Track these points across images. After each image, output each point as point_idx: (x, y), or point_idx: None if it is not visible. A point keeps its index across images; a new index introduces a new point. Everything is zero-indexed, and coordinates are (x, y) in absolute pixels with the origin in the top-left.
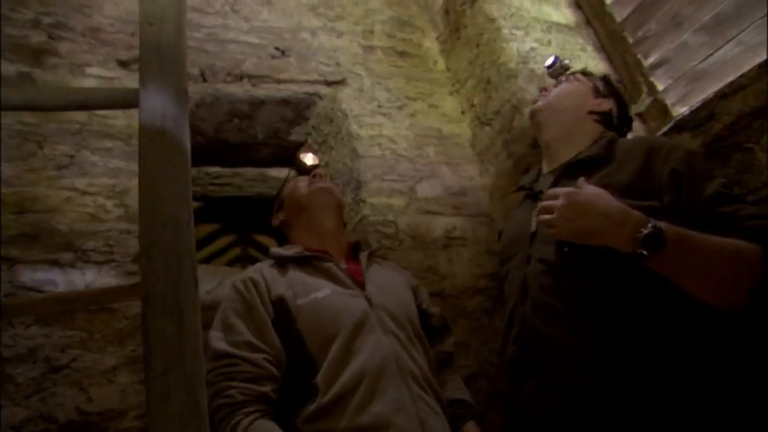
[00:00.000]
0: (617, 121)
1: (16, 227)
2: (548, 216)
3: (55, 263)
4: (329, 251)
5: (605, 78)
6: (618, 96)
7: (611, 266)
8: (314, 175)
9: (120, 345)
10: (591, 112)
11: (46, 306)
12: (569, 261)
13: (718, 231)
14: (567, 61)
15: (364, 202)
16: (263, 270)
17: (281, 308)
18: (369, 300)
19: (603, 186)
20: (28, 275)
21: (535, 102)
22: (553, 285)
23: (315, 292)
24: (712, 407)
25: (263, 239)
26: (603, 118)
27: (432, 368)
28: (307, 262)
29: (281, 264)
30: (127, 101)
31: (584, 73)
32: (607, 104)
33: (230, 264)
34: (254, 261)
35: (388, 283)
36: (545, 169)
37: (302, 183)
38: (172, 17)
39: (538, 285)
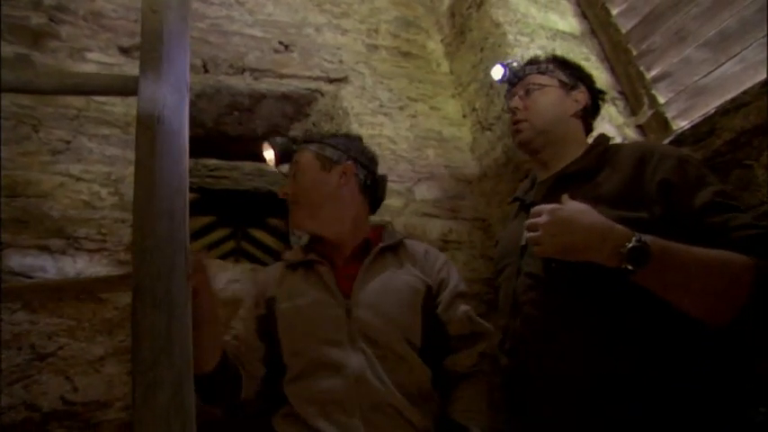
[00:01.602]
0: (590, 102)
1: (7, 211)
2: (534, 233)
3: (45, 249)
4: (330, 253)
5: (559, 61)
6: (584, 78)
7: (598, 281)
8: (285, 194)
9: (109, 334)
10: (573, 115)
11: (36, 292)
12: (556, 276)
13: (708, 243)
14: (514, 63)
15: None
16: (272, 269)
17: (270, 308)
18: (348, 311)
19: (592, 198)
20: (17, 260)
21: (515, 130)
22: (541, 300)
23: (297, 298)
24: (701, 422)
25: (258, 234)
26: (582, 110)
27: (420, 388)
28: (308, 265)
29: (292, 266)
30: (126, 88)
31: (542, 71)
32: (582, 96)
33: (223, 257)
34: (247, 255)
35: (387, 288)
36: (539, 178)
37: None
38: (176, 5)
39: (527, 300)
